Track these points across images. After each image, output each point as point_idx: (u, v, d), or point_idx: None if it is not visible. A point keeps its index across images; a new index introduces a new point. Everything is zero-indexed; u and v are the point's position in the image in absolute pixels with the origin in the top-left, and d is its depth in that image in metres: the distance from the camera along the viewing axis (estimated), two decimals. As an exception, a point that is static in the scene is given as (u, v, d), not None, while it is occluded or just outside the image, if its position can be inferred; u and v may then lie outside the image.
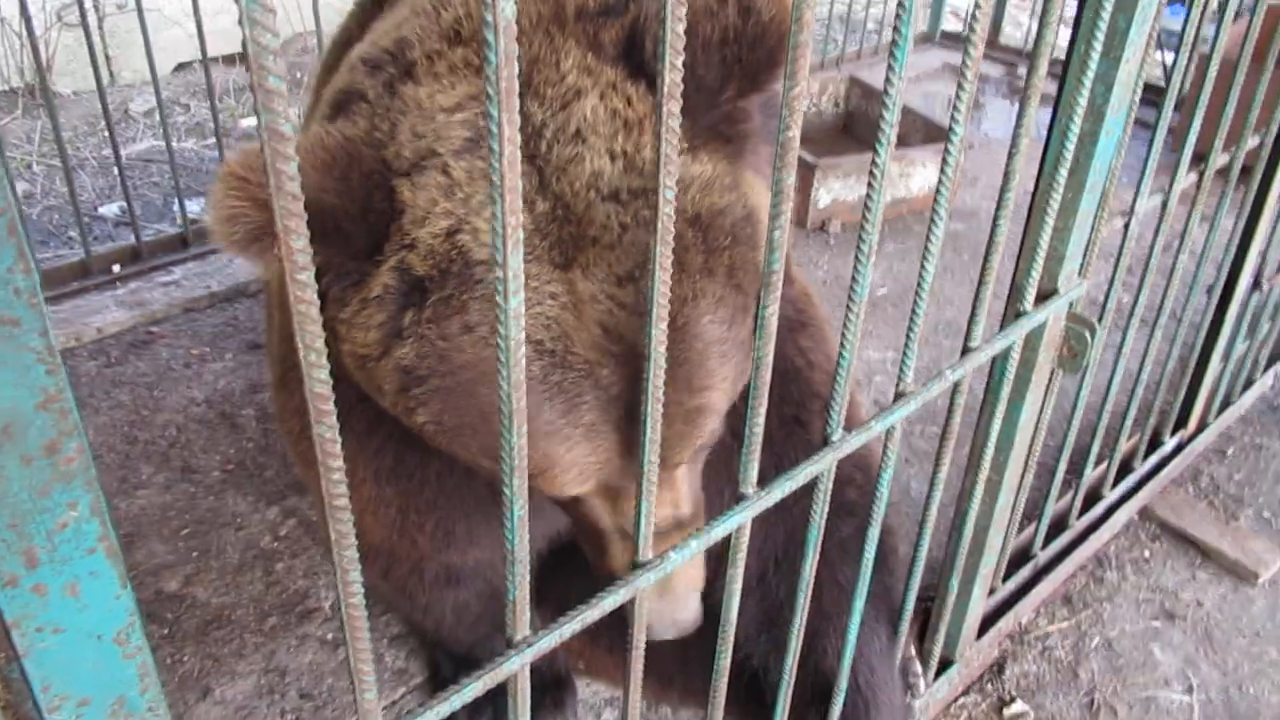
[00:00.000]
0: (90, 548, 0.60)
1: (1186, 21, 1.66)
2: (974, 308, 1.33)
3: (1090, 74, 1.27)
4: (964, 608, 1.84)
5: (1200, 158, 1.90)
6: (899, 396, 1.25)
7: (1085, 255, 1.53)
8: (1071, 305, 1.54)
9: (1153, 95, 2.24)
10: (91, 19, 4.75)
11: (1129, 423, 2.19)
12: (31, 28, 2.89)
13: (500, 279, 0.71)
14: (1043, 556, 2.12)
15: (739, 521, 1.07)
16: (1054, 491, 2.03)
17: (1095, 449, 2.10)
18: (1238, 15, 2.18)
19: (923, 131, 4.00)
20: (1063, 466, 2.00)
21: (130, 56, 5.00)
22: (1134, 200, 1.72)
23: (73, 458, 0.57)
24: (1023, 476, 1.77)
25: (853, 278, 1.06)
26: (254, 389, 2.74)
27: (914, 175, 3.84)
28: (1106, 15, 1.24)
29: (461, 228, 0.97)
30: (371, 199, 0.97)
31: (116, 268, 3.19)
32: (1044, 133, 1.39)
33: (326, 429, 0.66)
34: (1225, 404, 2.62)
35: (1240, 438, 2.72)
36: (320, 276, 0.97)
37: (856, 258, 1.04)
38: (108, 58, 5.06)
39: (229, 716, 1.87)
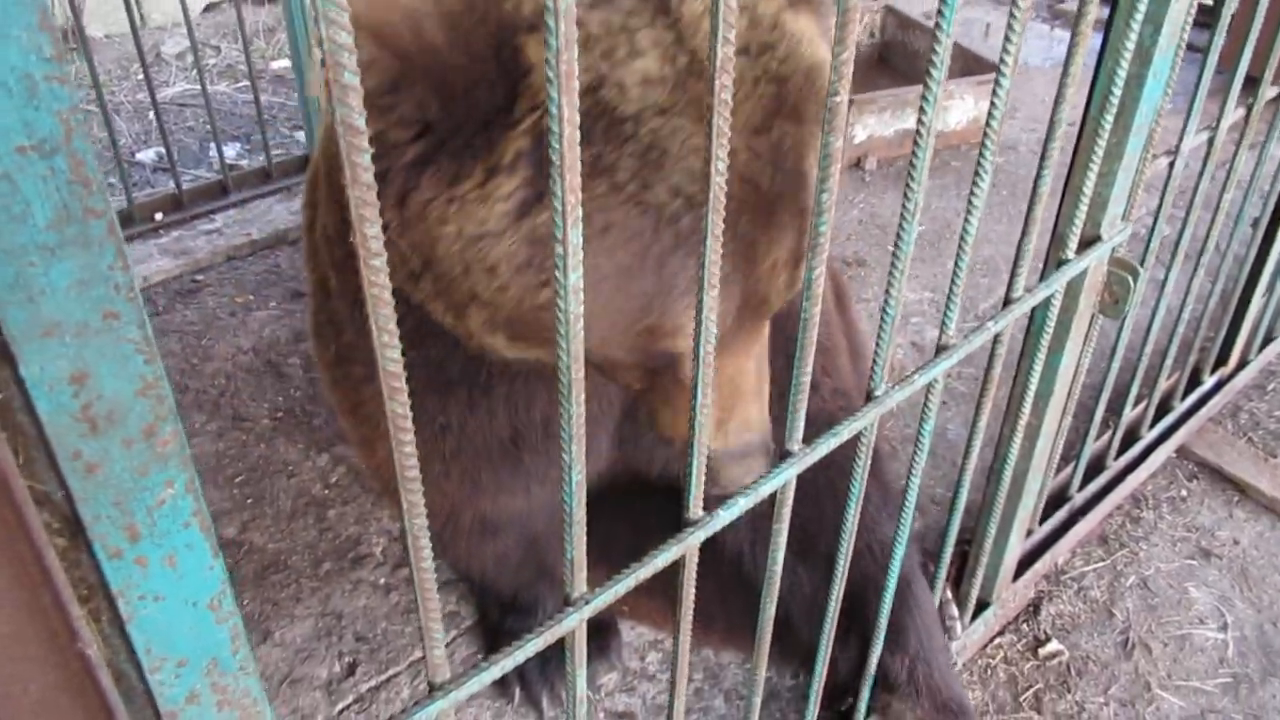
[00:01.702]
0: (185, 522, 0.64)
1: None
2: (1017, 257, 1.33)
3: (1140, 15, 1.25)
4: (1001, 551, 1.87)
5: (1252, 82, 1.86)
6: (940, 350, 1.26)
7: (1130, 199, 1.52)
8: (1115, 250, 1.54)
9: (1204, 17, 2.18)
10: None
11: (1169, 362, 2.19)
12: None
13: (560, 255, 0.73)
14: (1079, 498, 2.14)
15: (785, 479, 1.10)
16: (1092, 433, 2.04)
17: (1134, 389, 2.11)
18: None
19: (960, 61, 3.92)
20: (1101, 407, 2.01)
21: None
22: (1179, 139, 1.70)
23: (168, 440, 0.61)
24: (1061, 421, 1.79)
25: (898, 234, 1.06)
26: (298, 337, 2.79)
27: (952, 109, 3.78)
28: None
29: (603, 83, 0.94)
30: (500, 56, 0.93)
31: (159, 216, 3.23)
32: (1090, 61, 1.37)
33: (399, 405, 0.69)
34: (1268, 340, 2.60)
35: (1281, 373, 2.70)
36: (427, 162, 0.98)
37: (902, 215, 1.04)
38: (138, 0, 5.06)
39: (289, 658, 1.95)
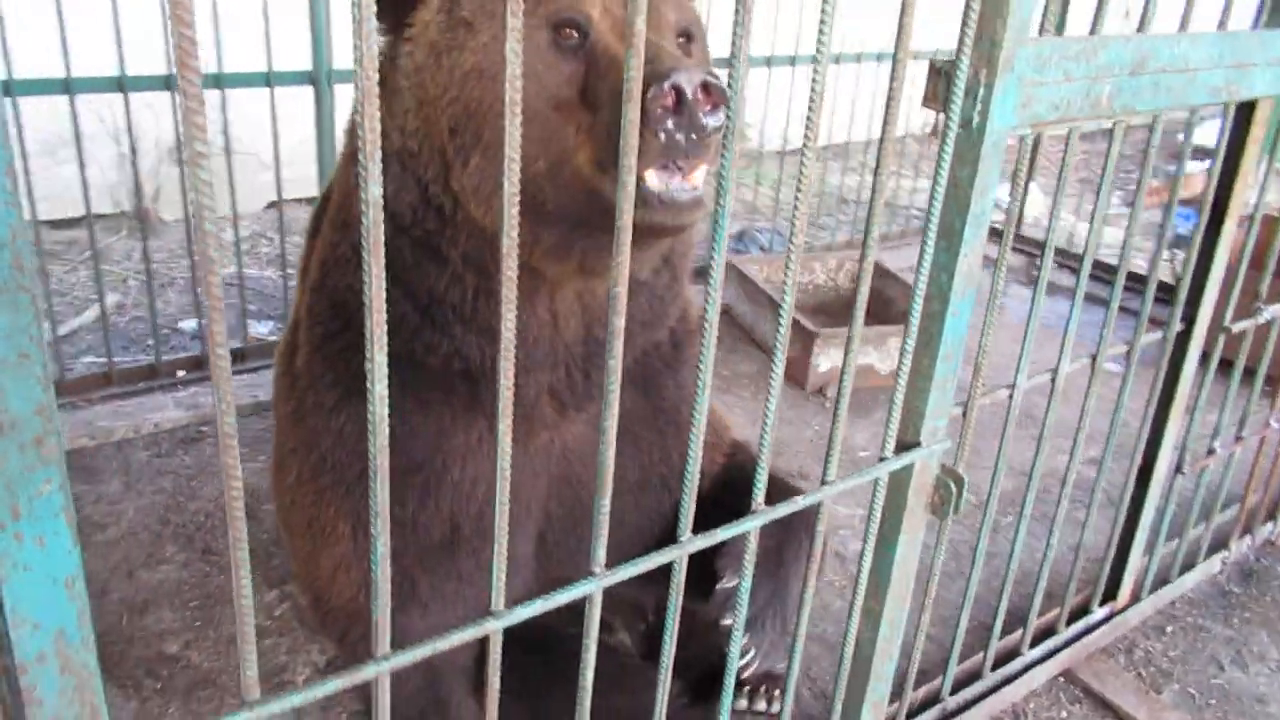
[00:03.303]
0: (55, 513, 0.91)
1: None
2: (828, 449, 1.60)
3: (928, 263, 1.58)
4: (853, 733, 2.02)
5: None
6: (751, 514, 1.52)
7: (944, 415, 1.79)
8: (937, 458, 1.80)
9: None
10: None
11: (1039, 594, 2.37)
12: (135, 162, 3.44)
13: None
14: (951, 702, 2.28)
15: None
16: (957, 641, 2.21)
17: (999, 620, 2.28)
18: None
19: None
20: (964, 619, 2.19)
21: (227, 192, 5.65)
22: (1016, 374, 1.99)
23: (51, 450, 0.89)
24: (920, 616, 1.98)
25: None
26: (277, 487, 3.08)
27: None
28: (936, 213, 1.55)
29: None
30: None
31: (181, 373, 3.63)
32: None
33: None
34: (1163, 581, 2.77)
35: (1183, 617, 2.84)
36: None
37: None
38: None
39: (197, 765, 2.12)
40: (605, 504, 1.31)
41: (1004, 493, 3.36)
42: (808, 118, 1.30)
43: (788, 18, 4.76)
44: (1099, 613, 2.61)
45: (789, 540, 1.95)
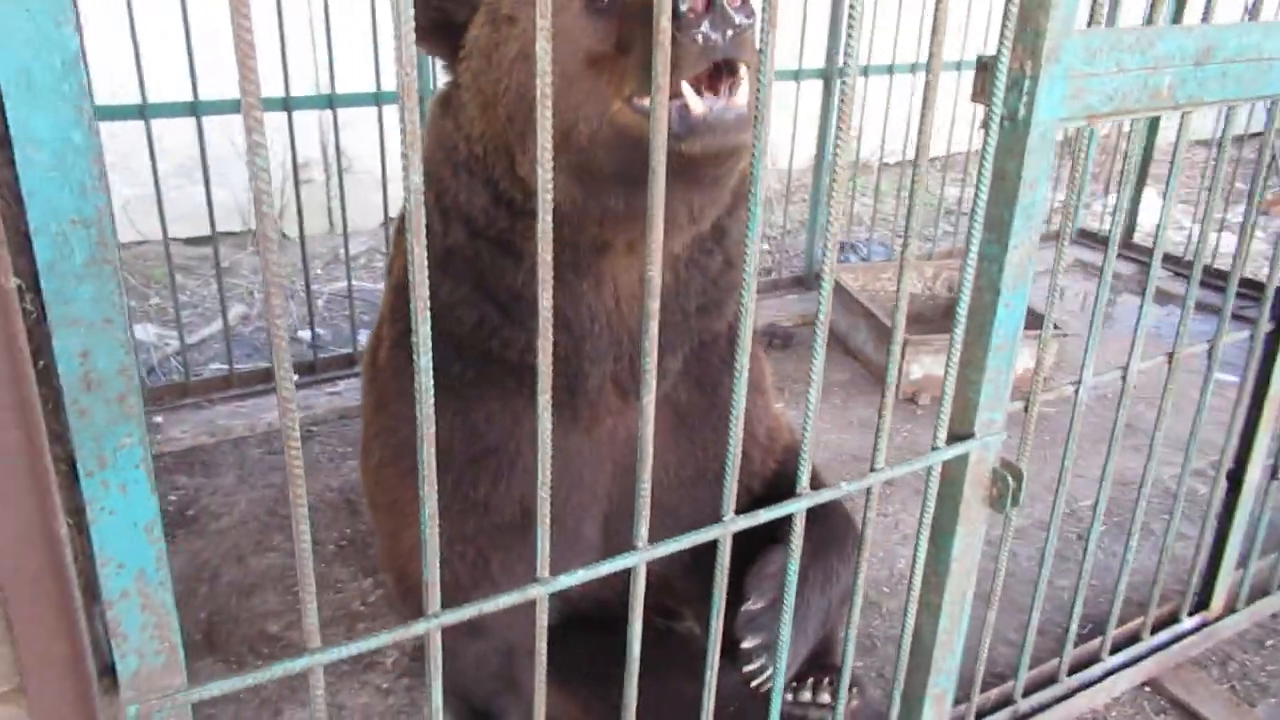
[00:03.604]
0: (136, 464, 1.04)
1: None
2: (876, 436, 1.64)
3: (974, 253, 1.60)
4: (914, 724, 2.02)
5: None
6: (798, 496, 1.57)
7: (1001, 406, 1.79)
8: (993, 449, 1.80)
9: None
10: (319, 178, 5.73)
11: (1118, 599, 2.32)
12: (255, 183, 3.68)
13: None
14: (1024, 705, 2.25)
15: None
16: (1028, 642, 2.18)
17: (1074, 622, 2.25)
18: None
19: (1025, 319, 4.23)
20: (1034, 618, 2.17)
21: (350, 209, 5.96)
22: (1081, 369, 1.98)
23: (132, 407, 1.01)
24: (987, 613, 1.98)
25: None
26: (376, 483, 3.25)
27: (1006, 358, 4.05)
28: (981, 205, 1.57)
29: None
30: None
31: (295, 378, 3.85)
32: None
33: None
34: (1262, 593, 2.66)
35: (1287, 632, 2.73)
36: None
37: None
38: (330, 210, 6.07)
39: (291, 734, 2.28)
40: (646, 479, 1.38)
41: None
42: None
43: (884, 25, 4.75)
44: (1189, 622, 2.53)
45: (814, 562, 1.98)
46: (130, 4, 3.24)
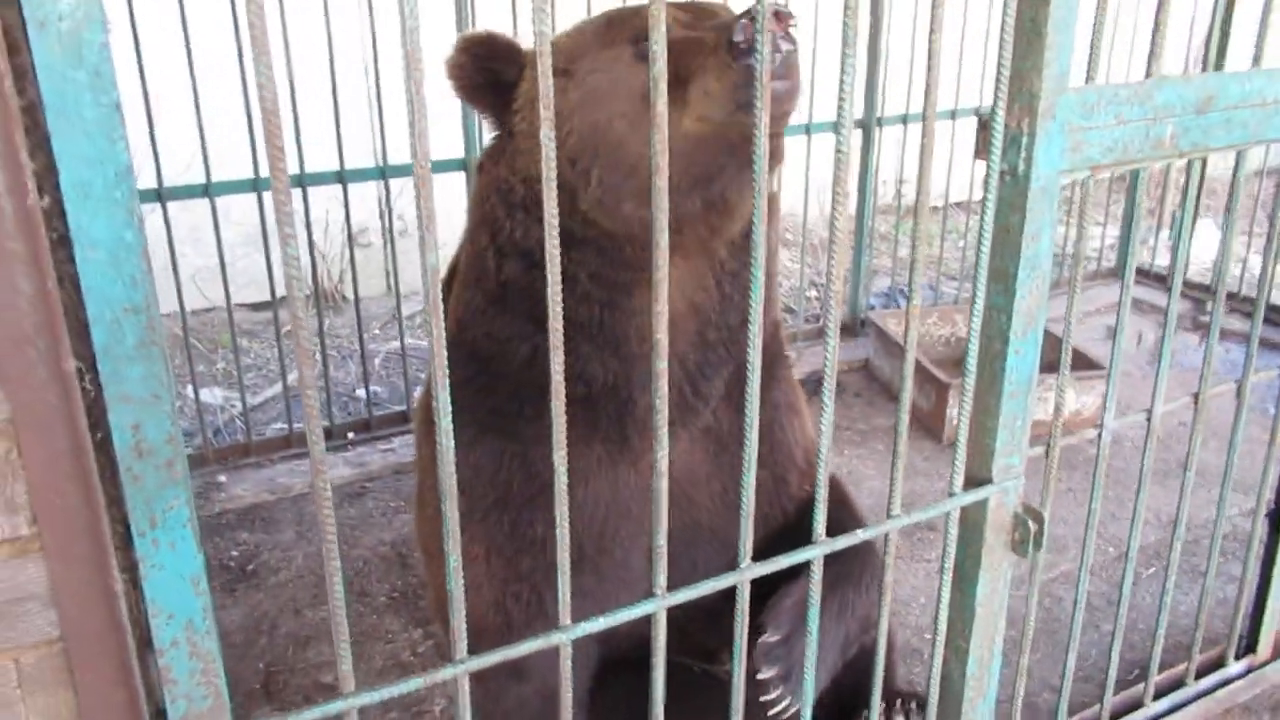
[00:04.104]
0: (183, 523, 1.14)
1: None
2: (891, 482, 1.69)
3: (980, 304, 1.66)
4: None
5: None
6: (810, 544, 1.62)
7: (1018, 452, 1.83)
8: (1011, 494, 1.83)
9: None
10: (377, 241, 5.95)
11: (1158, 643, 2.31)
12: (312, 247, 3.88)
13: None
14: (1065, 748, 2.25)
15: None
16: (1065, 685, 2.18)
17: (1113, 667, 2.24)
18: None
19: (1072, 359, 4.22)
20: (1070, 661, 2.17)
21: (406, 271, 6.16)
22: (1104, 411, 2.00)
23: (179, 473, 1.12)
24: (1020, 659, 1.99)
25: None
26: (428, 537, 3.36)
27: (1050, 399, 4.04)
28: (984, 257, 1.63)
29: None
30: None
31: (350, 435, 4.01)
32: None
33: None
34: (1316, 635, 2.62)
35: (1346, 675, 2.67)
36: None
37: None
38: (388, 272, 6.28)
39: (343, 779, 2.35)
40: (662, 534, 1.45)
41: (1146, 544, 3.26)
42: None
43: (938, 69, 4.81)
44: (1236, 666, 2.50)
45: (830, 593, 2.02)
46: (196, 89, 3.46)
